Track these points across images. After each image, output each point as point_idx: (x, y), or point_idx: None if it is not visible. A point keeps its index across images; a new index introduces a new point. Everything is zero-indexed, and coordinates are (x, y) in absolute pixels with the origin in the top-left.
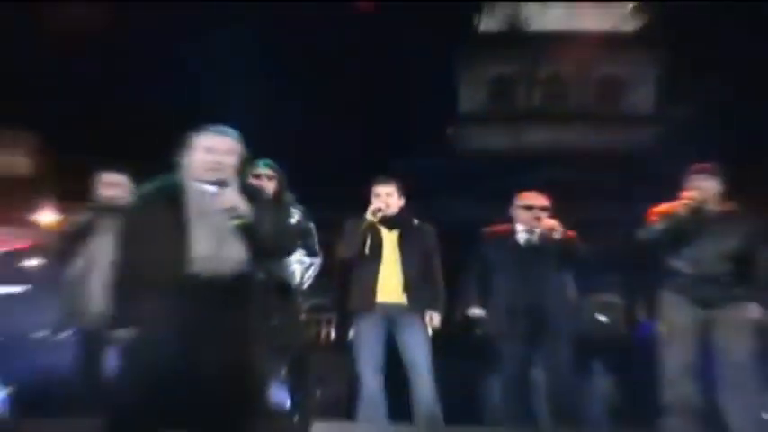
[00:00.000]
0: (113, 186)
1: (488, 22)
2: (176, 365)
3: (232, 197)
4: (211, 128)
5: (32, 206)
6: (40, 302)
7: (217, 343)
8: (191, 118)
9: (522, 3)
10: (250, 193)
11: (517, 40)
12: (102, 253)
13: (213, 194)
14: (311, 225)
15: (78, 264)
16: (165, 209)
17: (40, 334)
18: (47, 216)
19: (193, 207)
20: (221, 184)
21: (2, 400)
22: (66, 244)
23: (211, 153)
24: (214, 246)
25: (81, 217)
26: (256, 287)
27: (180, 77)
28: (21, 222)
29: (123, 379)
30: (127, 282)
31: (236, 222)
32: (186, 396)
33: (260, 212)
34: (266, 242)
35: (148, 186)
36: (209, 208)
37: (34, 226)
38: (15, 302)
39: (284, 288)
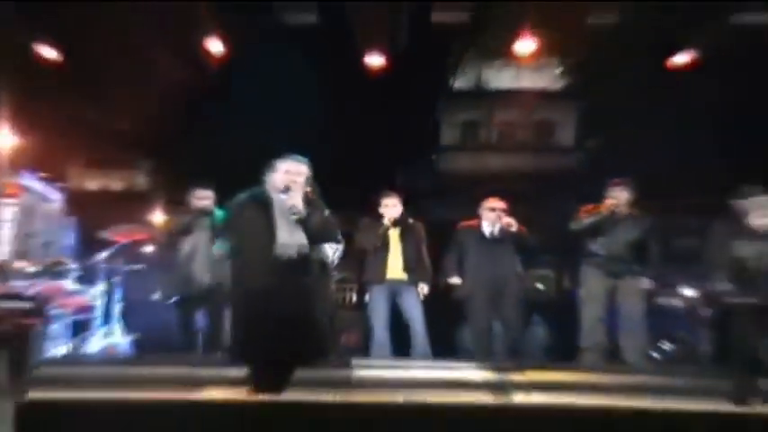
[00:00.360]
0: (204, 198)
1: (459, 81)
2: (272, 312)
3: (294, 200)
4: (289, 156)
5: (148, 210)
6: (153, 277)
7: (295, 299)
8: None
9: (483, 66)
10: (307, 199)
11: (480, 95)
12: (200, 244)
13: (284, 200)
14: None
15: (184, 250)
16: (257, 210)
17: (155, 298)
18: (158, 217)
19: (276, 210)
20: (287, 191)
21: (129, 343)
22: (172, 237)
23: (288, 174)
24: (288, 236)
25: (182, 219)
26: (315, 263)
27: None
28: (140, 222)
29: (239, 322)
30: (238, 261)
31: (295, 218)
32: (280, 330)
33: (311, 211)
34: (315, 232)
35: (242, 195)
36: (284, 210)
37: (149, 224)
38: (138, 276)
39: (323, 264)
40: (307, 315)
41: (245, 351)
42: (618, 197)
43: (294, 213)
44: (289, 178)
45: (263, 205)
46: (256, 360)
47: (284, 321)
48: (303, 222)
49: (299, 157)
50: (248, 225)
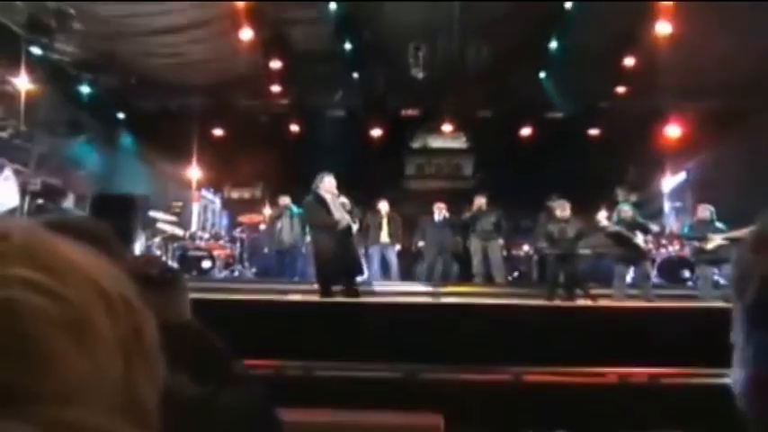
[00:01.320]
0: (285, 200)
1: (416, 143)
2: (336, 254)
3: (343, 198)
4: (326, 173)
5: (261, 207)
6: (263, 240)
7: (343, 248)
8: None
9: (427, 136)
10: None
11: (426, 150)
12: (285, 224)
13: (336, 196)
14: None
15: (277, 227)
16: (317, 203)
17: (264, 251)
18: (266, 210)
19: (330, 202)
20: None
21: (250, 272)
22: (270, 222)
23: (331, 182)
24: (338, 216)
25: (275, 211)
26: (350, 229)
27: None
28: (257, 212)
29: (318, 261)
30: (314, 229)
31: (346, 207)
32: (340, 260)
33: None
34: (349, 214)
35: (309, 197)
36: (335, 201)
37: (261, 214)
38: (256, 240)
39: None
40: (349, 255)
41: (320, 273)
42: (482, 201)
43: (343, 203)
44: (333, 184)
45: (321, 199)
46: (326, 278)
47: (338, 259)
48: (346, 208)
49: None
50: (315, 210)
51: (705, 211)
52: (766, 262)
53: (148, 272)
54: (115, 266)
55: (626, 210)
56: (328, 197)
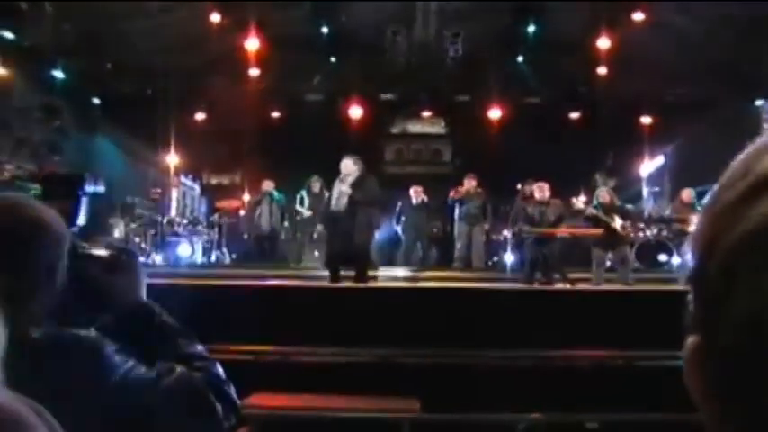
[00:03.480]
0: (267, 186)
1: (395, 129)
2: (336, 238)
3: (344, 187)
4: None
5: (241, 192)
6: (242, 225)
7: (347, 229)
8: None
9: (406, 122)
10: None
11: (404, 135)
12: (265, 209)
13: (341, 181)
14: None
15: (257, 212)
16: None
17: (244, 236)
18: (245, 196)
19: (335, 187)
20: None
21: (228, 256)
22: (250, 207)
23: (345, 167)
24: (333, 202)
25: (256, 196)
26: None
27: None
28: (236, 197)
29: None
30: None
31: (349, 191)
32: (336, 247)
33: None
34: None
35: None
36: (339, 186)
37: (241, 199)
38: (234, 224)
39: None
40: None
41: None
42: (472, 183)
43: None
44: (346, 167)
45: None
46: (330, 263)
47: (342, 242)
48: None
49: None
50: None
51: (689, 194)
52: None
53: (101, 255)
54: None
55: (604, 194)
56: (336, 182)
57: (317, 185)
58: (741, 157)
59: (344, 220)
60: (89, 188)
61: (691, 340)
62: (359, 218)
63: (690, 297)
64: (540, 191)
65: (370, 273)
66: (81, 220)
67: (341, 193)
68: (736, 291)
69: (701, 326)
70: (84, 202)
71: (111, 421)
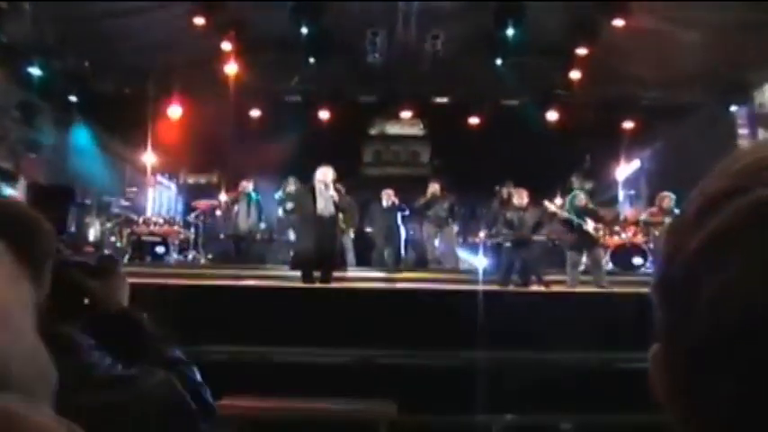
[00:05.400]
0: (245, 186)
1: (374, 130)
2: (315, 240)
3: (331, 192)
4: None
5: (217, 192)
6: (218, 225)
7: (328, 234)
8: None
9: (385, 123)
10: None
11: (383, 136)
12: (242, 209)
13: (326, 187)
14: None
15: (234, 212)
16: (308, 192)
17: (220, 236)
18: (222, 195)
19: (318, 192)
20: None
21: (205, 256)
22: (227, 206)
23: (324, 175)
24: (320, 207)
25: (233, 196)
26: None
27: None
28: (212, 197)
29: (298, 245)
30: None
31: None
32: (318, 249)
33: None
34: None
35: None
36: (323, 192)
37: (218, 199)
38: (210, 224)
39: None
40: (327, 246)
41: (297, 260)
42: (436, 187)
43: (332, 195)
44: (326, 174)
45: (310, 190)
46: (304, 265)
47: (316, 248)
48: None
49: (329, 166)
50: (303, 199)
51: (667, 199)
52: (666, 241)
53: (86, 261)
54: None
55: (578, 197)
56: (318, 187)
57: (292, 187)
58: (703, 180)
59: (328, 225)
60: (78, 200)
61: (656, 344)
62: (337, 223)
63: (655, 303)
64: (519, 197)
65: (340, 274)
66: (71, 228)
67: (328, 198)
68: (698, 295)
69: (665, 329)
70: (74, 212)
71: (86, 418)
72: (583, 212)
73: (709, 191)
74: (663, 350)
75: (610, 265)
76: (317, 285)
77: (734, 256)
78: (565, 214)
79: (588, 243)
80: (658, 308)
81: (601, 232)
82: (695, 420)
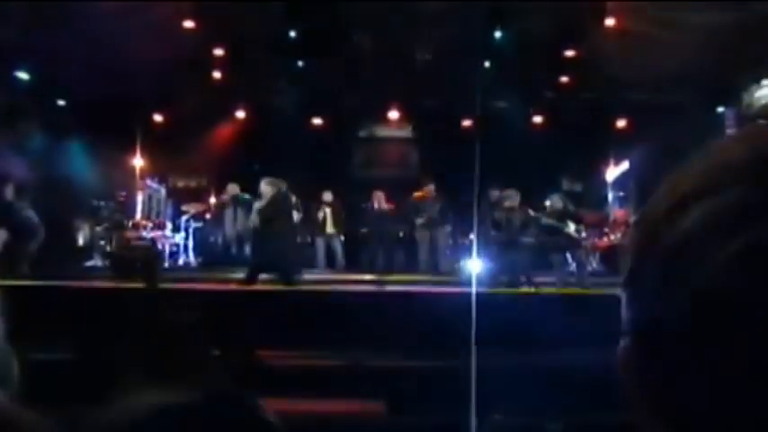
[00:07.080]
0: (233, 190)
1: (363, 133)
2: (269, 248)
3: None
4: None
5: (207, 196)
6: (208, 229)
7: (279, 241)
8: None
9: (374, 126)
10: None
11: (373, 139)
12: (229, 216)
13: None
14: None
15: (225, 217)
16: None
17: (210, 240)
18: (211, 199)
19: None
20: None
21: (196, 261)
22: (216, 211)
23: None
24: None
25: (223, 200)
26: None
27: None
28: (202, 201)
29: (254, 254)
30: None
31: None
32: (270, 258)
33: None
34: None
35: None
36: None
37: (207, 203)
38: (200, 229)
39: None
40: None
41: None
42: (429, 188)
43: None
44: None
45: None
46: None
47: (272, 252)
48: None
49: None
50: (281, 206)
51: None
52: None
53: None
54: None
55: (556, 200)
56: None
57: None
58: (671, 176)
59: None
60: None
61: (624, 341)
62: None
63: (624, 300)
64: (511, 200)
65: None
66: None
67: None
68: (668, 294)
69: (634, 327)
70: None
71: None
72: (561, 215)
73: (679, 189)
74: (630, 347)
75: (594, 266)
76: (307, 288)
77: (703, 258)
78: (545, 219)
79: (569, 245)
80: (627, 304)
81: (583, 234)
82: (664, 418)
